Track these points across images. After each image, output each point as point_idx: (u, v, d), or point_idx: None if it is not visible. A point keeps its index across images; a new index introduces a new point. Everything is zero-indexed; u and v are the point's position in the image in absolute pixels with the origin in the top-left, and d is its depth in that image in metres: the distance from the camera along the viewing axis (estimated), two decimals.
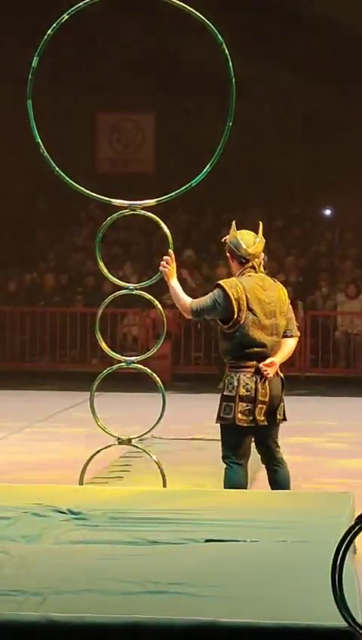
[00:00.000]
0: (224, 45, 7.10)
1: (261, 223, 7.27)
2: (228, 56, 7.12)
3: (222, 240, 7.37)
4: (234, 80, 7.17)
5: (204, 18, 7.15)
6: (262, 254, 7.23)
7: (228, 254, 7.27)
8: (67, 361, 18.84)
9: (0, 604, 4.06)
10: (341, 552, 3.90)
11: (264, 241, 7.23)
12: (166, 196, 7.44)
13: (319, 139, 22.70)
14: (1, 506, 5.84)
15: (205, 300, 7.10)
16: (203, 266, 20.58)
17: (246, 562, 4.84)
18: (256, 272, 7.15)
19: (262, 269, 7.23)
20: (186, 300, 7.20)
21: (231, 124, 7.16)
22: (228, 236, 7.25)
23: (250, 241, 7.16)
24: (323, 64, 22.11)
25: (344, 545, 3.90)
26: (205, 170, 7.24)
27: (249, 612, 4.06)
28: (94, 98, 23.25)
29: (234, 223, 7.33)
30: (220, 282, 7.14)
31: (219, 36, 7.11)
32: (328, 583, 3.87)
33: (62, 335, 18.75)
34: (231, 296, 6.98)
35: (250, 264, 7.14)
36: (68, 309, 19.00)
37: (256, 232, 7.21)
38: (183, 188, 7.35)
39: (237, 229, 7.24)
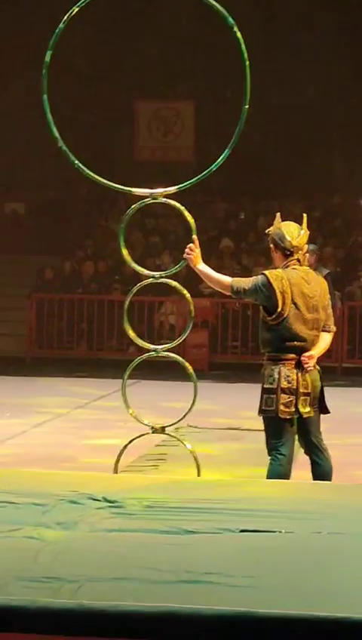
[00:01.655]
0: (235, 28, 7.05)
1: (305, 215, 7.23)
2: (240, 39, 7.06)
3: (266, 232, 7.33)
4: (248, 63, 7.11)
5: (212, 1, 7.09)
6: (306, 246, 7.18)
7: (271, 246, 7.22)
8: (104, 349, 18.88)
9: (35, 591, 4.08)
10: None
11: (308, 233, 7.18)
12: (186, 183, 7.39)
13: (360, 128, 22.56)
14: (37, 493, 5.87)
15: (246, 282, 7.06)
16: (242, 256, 20.54)
17: (280, 553, 4.83)
18: (300, 265, 7.11)
19: (306, 262, 7.19)
20: (223, 278, 7.16)
21: (247, 107, 7.12)
22: (271, 227, 7.21)
23: (294, 233, 7.10)
24: None
25: None
26: (224, 154, 7.19)
27: (282, 603, 4.05)
28: (133, 86, 23.25)
29: (278, 214, 7.28)
30: (266, 272, 7.10)
31: (230, 18, 7.05)
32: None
33: (99, 323, 18.80)
34: (276, 289, 6.94)
35: (295, 257, 7.09)
36: (105, 297, 19.04)
37: (300, 224, 7.17)
38: (203, 174, 7.30)
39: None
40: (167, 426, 7.64)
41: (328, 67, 22.30)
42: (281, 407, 6.93)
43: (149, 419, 7.76)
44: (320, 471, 7.11)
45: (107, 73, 22.58)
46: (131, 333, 7.74)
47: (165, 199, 7.50)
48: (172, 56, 22.69)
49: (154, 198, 7.52)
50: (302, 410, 6.96)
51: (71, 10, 7.14)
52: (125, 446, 7.64)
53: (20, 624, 3.94)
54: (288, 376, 6.95)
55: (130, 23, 22.17)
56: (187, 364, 7.55)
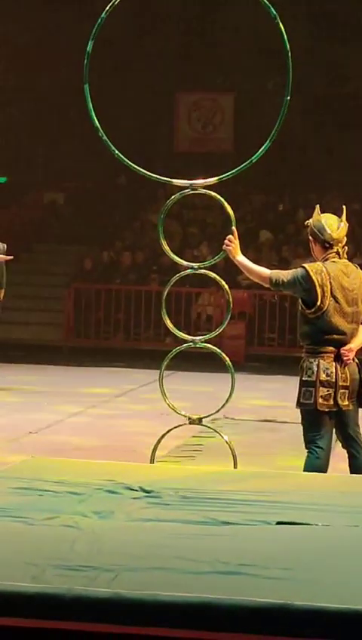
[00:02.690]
0: (278, 19, 7.00)
1: (344, 207, 7.19)
2: (283, 30, 7.01)
3: (305, 224, 7.29)
4: (289, 54, 7.06)
5: None
6: (345, 239, 7.15)
7: (310, 238, 7.19)
8: (141, 340, 18.92)
9: (72, 579, 4.10)
10: None
11: (347, 225, 7.15)
12: (226, 174, 7.35)
13: None
14: (74, 482, 5.90)
15: (285, 274, 7.03)
16: (282, 249, 20.48)
17: (316, 546, 4.83)
18: (339, 258, 7.07)
19: (345, 254, 7.15)
20: (262, 270, 7.13)
21: (288, 98, 7.08)
22: (311, 220, 7.18)
23: (333, 225, 7.07)
24: None
25: None
26: (265, 145, 7.15)
27: (318, 595, 4.05)
28: (174, 77, 23.25)
29: (317, 206, 7.24)
30: (305, 265, 7.07)
31: (273, 9, 7.01)
32: None
33: (136, 313, 18.84)
34: (316, 282, 6.91)
35: (335, 249, 7.05)
36: (143, 287, 19.07)
37: (340, 216, 7.13)
38: (244, 165, 7.25)
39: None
40: (203, 417, 7.64)
41: None
42: (320, 400, 6.92)
43: (186, 410, 7.76)
44: (358, 464, 7.09)
45: (148, 64, 22.59)
46: (169, 324, 7.73)
47: (205, 190, 7.47)
48: (212, 47, 22.65)
49: (193, 189, 7.49)
50: (340, 403, 6.94)
51: (113, 0, 7.13)
52: (162, 436, 7.65)
53: (56, 612, 3.97)
54: (327, 369, 6.93)
55: (170, 14, 22.16)
56: (224, 356, 7.54)
